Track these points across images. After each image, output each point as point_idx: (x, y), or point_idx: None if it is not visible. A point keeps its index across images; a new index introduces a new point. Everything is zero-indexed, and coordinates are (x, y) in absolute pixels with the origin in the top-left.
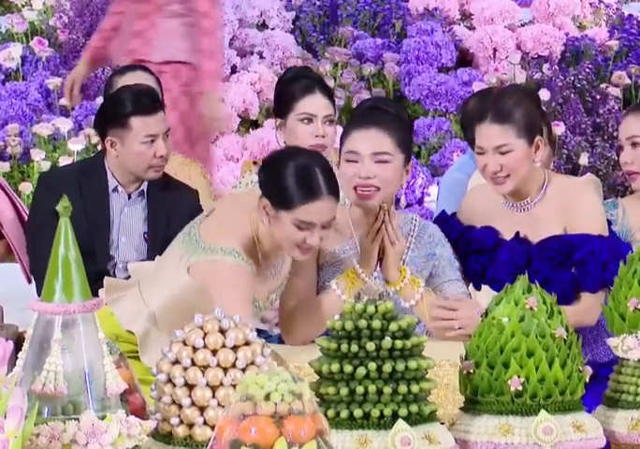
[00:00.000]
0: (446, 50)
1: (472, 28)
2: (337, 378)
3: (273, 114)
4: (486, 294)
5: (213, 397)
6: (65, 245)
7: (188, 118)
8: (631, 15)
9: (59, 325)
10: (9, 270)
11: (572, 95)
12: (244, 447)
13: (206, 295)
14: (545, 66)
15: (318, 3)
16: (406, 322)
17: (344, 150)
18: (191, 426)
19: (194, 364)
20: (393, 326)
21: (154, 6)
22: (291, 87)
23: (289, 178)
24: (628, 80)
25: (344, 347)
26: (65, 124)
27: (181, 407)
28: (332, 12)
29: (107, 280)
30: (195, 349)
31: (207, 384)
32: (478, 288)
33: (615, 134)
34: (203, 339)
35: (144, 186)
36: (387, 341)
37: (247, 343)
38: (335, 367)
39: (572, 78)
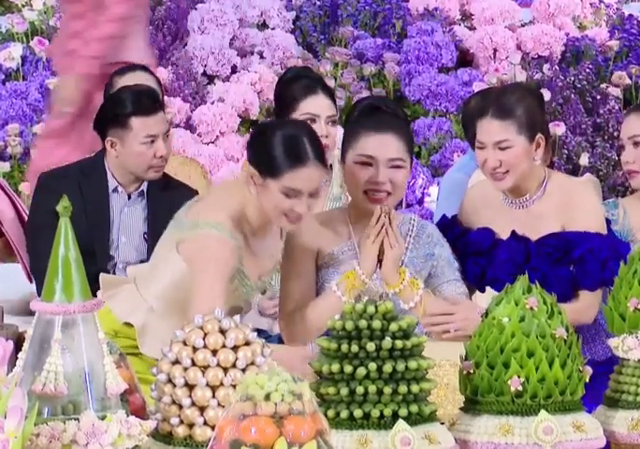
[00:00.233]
0: (447, 50)
1: (472, 28)
2: (337, 378)
3: (274, 114)
4: (487, 294)
5: (213, 397)
6: (66, 245)
7: None
8: (631, 15)
9: (59, 325)
10: (10, 270)
11: (572, 96)
12: (244, 447)
13: None
14: (546, 67)
15: (318, 3)
16: (406, 322)
17: (355, 152)
18: (191, 426)
19: (194, 364)
20: (393, 327)
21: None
22: (292, 87)
23: (276, 146)
24: (628, 81)
25: (345, 347)
26: None
27: (181, 407)
28: (332, 12)
29: (102, 276)
30: (195, 349)
31: (207, 385)
32: (482, 290)
33: (615, 134)
34: (203, 339)
35: (144, 186)
36: (387, 342)
37: (247, 343)
38: (335, 367)
39: (572, 78)
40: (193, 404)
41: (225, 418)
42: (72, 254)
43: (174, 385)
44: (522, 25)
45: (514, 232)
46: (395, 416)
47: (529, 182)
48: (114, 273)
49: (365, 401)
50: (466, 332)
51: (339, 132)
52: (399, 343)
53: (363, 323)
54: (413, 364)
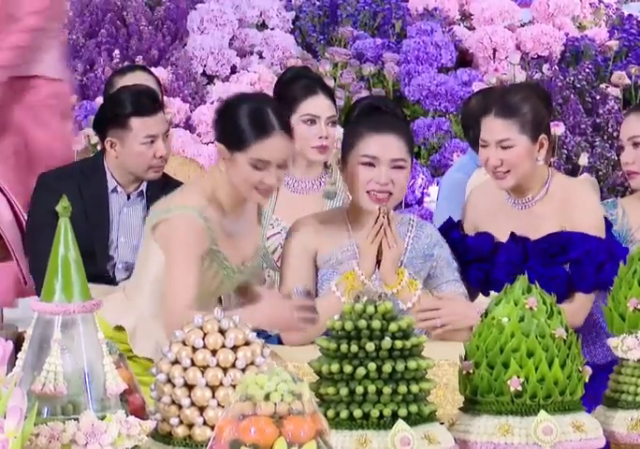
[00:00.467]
0: (446, 50)
1: (471, 28)
2: (336, 378)
3: None
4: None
5: (213, 397)
6: (65, 245)
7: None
8: (630, 15)
9: (59, 325)
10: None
11: (571, 96)
12: (244, 447)
13: None
14: (545, 67)
15: (318, 3)
16: (406, 322)
17: (358, 153)
18: (190, 426)
19: (193, 364)
20: (393, 327)
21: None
22: (292, 88)
23: (241, 118)
24: (628, 81)
25: (344, 347)
26: None
27: (180, 407)
28: (332, 12)
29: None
30: (194, 349)
31: (206, 385)
32: (486, 294)
33: (615, 134)
34: (203, 339)
35: (143, 186)
36: (387, 342)
37: (247, 343)
38: (335, 367)
39: (571, 78)
40: (192, 404)
41: (225, 418)
42: (72, 255)
43: (173, 385)
44: (522, 25)
45: (512, 233)
46: (394, 416)
47: (532, 183)
48: (114, 273)
49: (364, 401)
50: (454, 327)
51: (338, 132)
52: (398, 343)
53: (362, 323)
54: (412, 364)
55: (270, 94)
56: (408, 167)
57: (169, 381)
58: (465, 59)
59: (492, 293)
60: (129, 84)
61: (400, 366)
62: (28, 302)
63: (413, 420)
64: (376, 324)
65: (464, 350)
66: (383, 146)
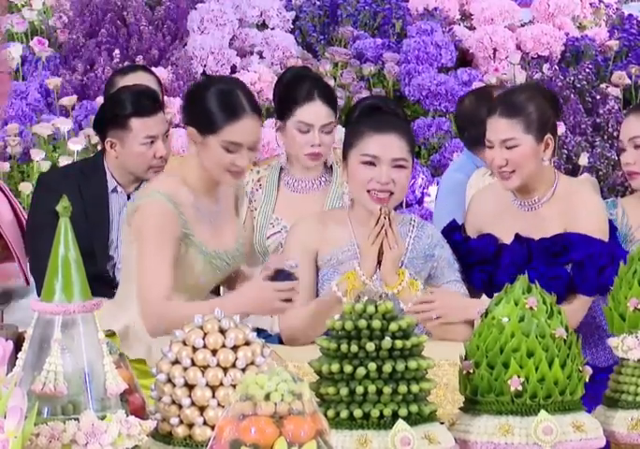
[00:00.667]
0: (446, 50)
1: (471, 28)
2: (337, 378)
3: (275, 114)
4: None
5: (213, 397)
6: (65, 245)
7: None
8: (631, 15)
9: (59, 325)
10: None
11: (572, 95)
12: (244, 447)
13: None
14: (545, 66)
15: (318, 3)
16: (406, 322)
17: (359, 152)
18: (191, 426)
19: (194, 364)
20: (393, 326)
21: None
22: (291, 91)
23: (211, 101)
24: (628, 80)
25: (344, 347)
26: (64, 124)
27: (180, 407)
28: (332, 12)
29: None
30: (194, 349)
31: (207, 384)
32: (490, 296)
33: (615, 134)
34: (203, 339)
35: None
36: (387, 341)
37: (247, 343)
38: (335, 367)
39: (572, 78)
40: (192, 404)
41: (225, 418)
42: (72, 254)
43: (174, 385)
44: (522, 25)
45: (517, 235)
46: (395, 416)
47: (538, 184)
48: (114, 273)
49: (365, 401)
50: (448, 319)
51: (339, 131)
52: (398, 343)
53: (363, 323)
54: (412, 364)
55: (271, 93)
56: (409, 167)
57: (170, 381)
58: (465, 59)
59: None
60: (129, 84)
61: (401, 366)
62: (28, 303)
63: (413, 420)
64: (376, 323)
65: (464, 350)
66: (384, 145)
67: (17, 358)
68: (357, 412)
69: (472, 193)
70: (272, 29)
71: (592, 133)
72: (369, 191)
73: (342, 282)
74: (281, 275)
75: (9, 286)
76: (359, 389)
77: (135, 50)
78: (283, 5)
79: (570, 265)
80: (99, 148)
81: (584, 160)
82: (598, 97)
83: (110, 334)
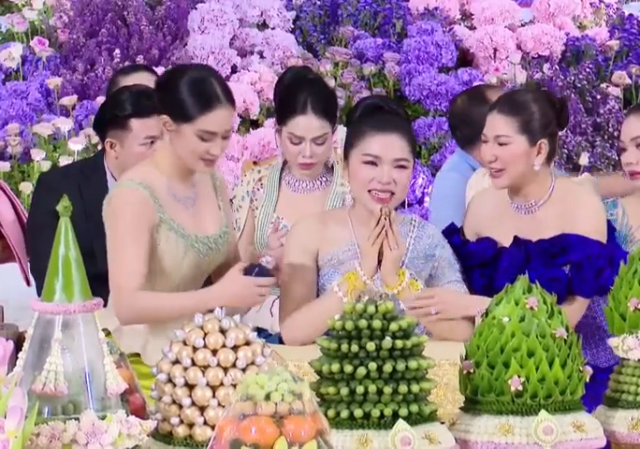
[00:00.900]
0: (447, 49)
1: (472, 28)
2: (337, 378)
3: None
4: None
5: (214, 396)
6: (66, 245)
7: None
8: (631, 15)
9: (59, 324)
10: (9, 271)
11: (572, 95)
12: (244, 447)
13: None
14: (546, 66)
15: (319, 3)
16: (406, 322)
17: (360, 152)
18: (191, 425)
19: (194, 364)
20: (393, 326)
21: None
22: (285, 101)
23: (186, 90)
24: (628, 80)
25: (345, 347)
26: (65, 124)
27: (181, 407)
28: (333, 12)
29: None
30: (195, 349)
31: (207, 384)
32: None
33: (615, 134)
34: (203, 338)
35: None
36: (388, 341)
37: (247, 343)
38: (335, 367)
39: (572, 77)
40: (193, 404)
41: (226, 418)
42: (72, 254)
43: (174, 385)
44: (522, 25)
45: (515, 238)
46: (395, 416)
47: (533, 187)
48: None
49: (365, 401)
50: (446, 315)
51: (340, 131)
52: (399, 343)
53: (363, 322)
54: (413, 364)
55: (271, 93)
56: (410, 167)
57: (170, 380)
58: (466, 59)
59: None
60: (129, 85)
61: (401, 365)
62: (29, 303)
63: (413, 420)
64: (377, 323)
65: (465, 349)
66: (385, 145)
67: (17, 358)
68: (358, 412)
69: (472, 194)
70: (273, 29)
71: (593, 133)
72: (370, 191)
73: (343, 283)
74: (255, 269)
75: None
76: (360, 389)
77: (135, 49)
78: (284, 4)
79: (568, 266)
80: (99, 148)
81: (584, 160)
82: (598, 97)
83: (106, 333)
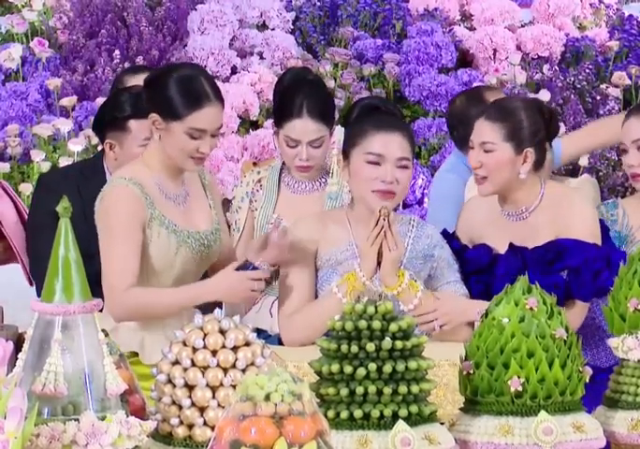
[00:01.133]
0: (446, 50)
1: (472, 29)
2: (337, 378)
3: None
4: None
5: (213, 397)
6: (66, 246)
7: None
8: (631, 15)
9: (59, 325)
10: (9, 271)
11: (572, 96)
12: (244, 448)
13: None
14: (546, 67)
15: (318, 3)
16: (406, 322)
17: (363, 151)
18: (191, 426)
19: (194, 364)
20: (393, 327)
21: None
22: (282, 104)
23: (175, 88)
24: (628, 81)
25: (344, 348)
26: (65, 125)
27: (181, 407)
28: (332, 13)
29: None
30: (195, 350)
31: (207, 385)
32: None
33: None
34: (203, 339)
35: None
36: (387, 342)
37: (247, 344)
38: (335, 367)
39: (572, 78)
40: (193, 405)
41: (225, 419)
42: (72, 255)
43: (174, 386)
44: (522, 26)
45: (511, 245)
46: (395, 417)
47: (521, 194)
48: None
49: (365, 402)
50: (450, 326)
51: (339, 132)
52: (398, 344)
53: (363, 323)
54: (412, 364)
55: (271, 94)
56: (410, 168)
57: (170, 381)
58: (465, 59)
59: None
60: (129, 86)
61: (401, 366)
62: (29, 303)
63: (413, 420)
64: (376, 324)
65: (464, 350)
66: (388, 144)
67: (17, 359)
68: (358, 413)
69: (471, 195)
70: (272, 30)
71: None
72: (374, 191)
73: (343, 284)
74: (249, 266)
75: None
76: (359, 390)
77: (135, 50)
78: (284, 5)
79: (565, 271)
80: (99, 149)
81: (584, 160)
82: (598, 98)
83: (105, 334)
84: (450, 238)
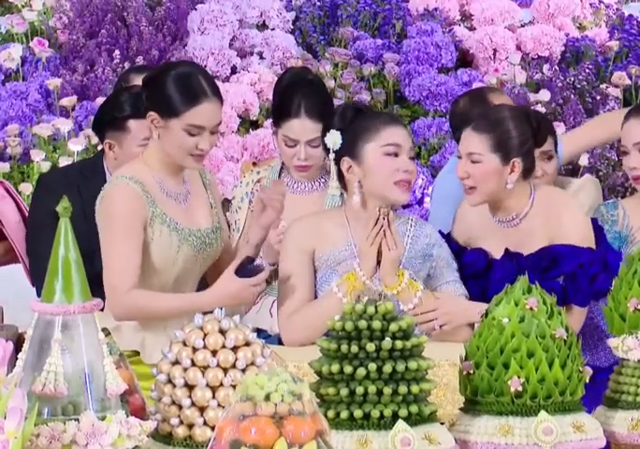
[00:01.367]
0: (446, 50)
1: (472, 29)
2: (337, 378)
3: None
4: None
5: (213, 397)
6: (66, 246)
7: None
8: (631, 15)
9: (59, 325)
10: (9, 271)
11: (572, 96)
12: (244, 448)
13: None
14: (546, 67)
15: (318, 3)
16: (406, 322)
17: (380, 143)
18: (191, 426)
19: (194, 364)
20: (393, 327)
21: None
22: (281, 103)
23: (173, 85)
24: (628, 81)
25: (344, 348)
26: (65, 125)
27: (181, 407)
28: (332, 13)
29: None
30: (195, 349)
31: (207, 385)
32: None
33: None
34: (203, 339)
35: None
36: (387, 342)
37: (247, 344)
38: (335, 367)
39: (572, 78)
40: (193, 404)
41: (225, 418)
42: (72, 255)
43: (174, 386)
44: (522, 26)
45: (507, 250)
46: (395, 417)
47: (511, 202)
48: None
49: (365, 402)
50: (450, 326)
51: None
52: (398, 344)
53: (363, 323)
54: (412, 364)
55: (271, 94)
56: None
57: (170, 381)
58: (465, 59)
59: None
60: (128, 86)
61: (401, 366)
62: (29, 303)
63: (413, 420)
64: (377, 324)
65: (464, 350)
66: (401, 135)
67: (17, 359)
68: (358, 413)
69: None
70: (272, 29)
71: None
72: (396, 182)
73: (343, 284)
74: (248, 265)
75: None
76: (359, 390)
77: (135, 50)
78: (284, 5)
79: (562, 277)
80: (99, 148)
81: (584, 160)
82: (598, 98)
83: (106, 333)
84: (447, 239)
